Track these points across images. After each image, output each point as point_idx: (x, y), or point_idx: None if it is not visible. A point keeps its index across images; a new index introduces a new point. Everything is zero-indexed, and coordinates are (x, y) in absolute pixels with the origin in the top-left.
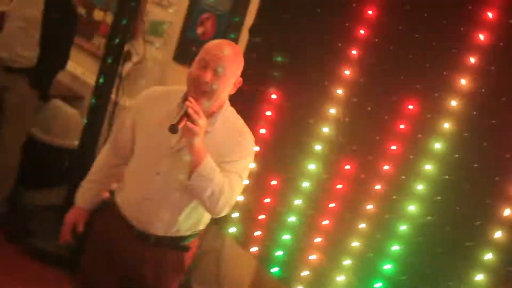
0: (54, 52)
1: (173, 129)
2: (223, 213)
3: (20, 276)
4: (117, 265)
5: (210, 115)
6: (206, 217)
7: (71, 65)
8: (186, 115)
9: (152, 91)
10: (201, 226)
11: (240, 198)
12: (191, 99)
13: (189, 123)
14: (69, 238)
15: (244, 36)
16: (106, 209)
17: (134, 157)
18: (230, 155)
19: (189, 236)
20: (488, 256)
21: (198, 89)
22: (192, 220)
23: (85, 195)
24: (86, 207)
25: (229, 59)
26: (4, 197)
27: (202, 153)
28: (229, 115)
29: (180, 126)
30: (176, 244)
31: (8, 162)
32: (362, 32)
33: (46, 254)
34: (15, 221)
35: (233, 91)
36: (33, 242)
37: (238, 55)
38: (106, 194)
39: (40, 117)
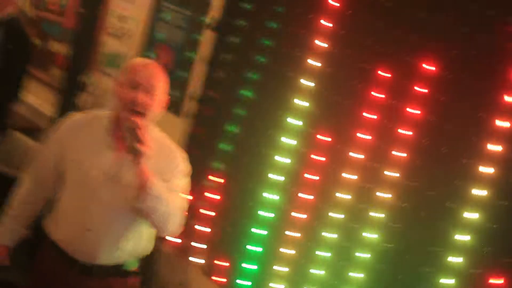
0: (7, 84)
1: (134, 150)
2: (173, 232)
3: None
4: None
5: None
6: (148, 240)
7: (29, 97)
8: (134, 135)
9: (71, 120)
10: (144, 250)
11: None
12: (136, 119)
13: (138, 145)
14: None
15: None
16: (43, 252)
17: (65, 189)
18: (167, 173)
19: (132, 261)
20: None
21: (132, 111)
22: (134, 244)
23: (4, 230)
24: (6, 243)
25: (158, 78)
26: None
27: (147, 174)
28: (156, 133)
29: (138, 145)
30: (120, 270)
31: None
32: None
33: (9, 285)
34: None
35: (163, 109)
36: (7, 275)
37: (164, 74)
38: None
39: (1, 151)
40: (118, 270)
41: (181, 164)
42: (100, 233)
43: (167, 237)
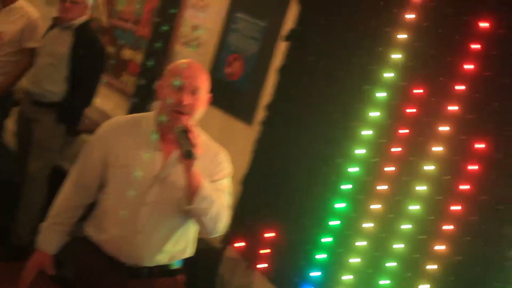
0: (80, 89)
1: (189, 154)
2: (219, 234)
3: None
4: None
5: None
6: (195, 239)
7: (100, 102)
8: (187, 139)
9: (116, 122)
10: (189, 252)
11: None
12: (186, 122)
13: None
14: (27, 285)
15: (272, 77)
16: (84, 255)
17: (112, 192)
18: (214, 175)
19: (178, 261)
20: None
21: (177, 114)
22: (182, 244)
23: (49, 240)
24: (51, 252)
25: (202, 79)
26: (30, 228)
27: (198, 176)
28: (200, 131)
29: (192, 149)
30: (168, 270)
31: (34, 193)
32: (387, 75)
33: (59, 276)
34: None
35: (205, 109)
36: (63, 272)
37: (206, 73)
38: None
39: (70, 152)
40: (165, 270)
41: (226, 164)
42: (149, 235)
43: (231, 241)
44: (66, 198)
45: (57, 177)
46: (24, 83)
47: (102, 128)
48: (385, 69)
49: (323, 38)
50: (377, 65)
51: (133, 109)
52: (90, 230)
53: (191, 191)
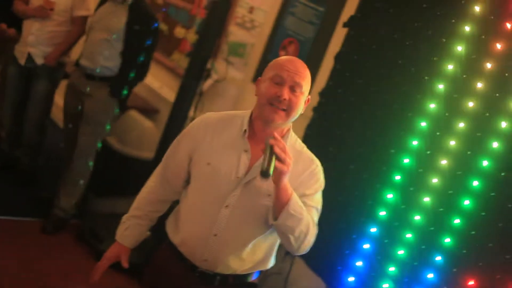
0: (134, 64)
1: (265, 174)
2: (305, 252)
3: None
4: None
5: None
6: (274, 253)
7: (149, 79)
8: (273, 154)
9: (209, 118)
10: (269, 264)
11: None
12: (276, 136)
13: (278, 164)
14: (100, 276)
15: (326, 62)
16: (160, 250)
17: (194, 190)
18: (306, 188)
19: (254, 272)
20: None
21: (274, 107)
22: (260, 255)
23: (129, 233)
24: (129, 246)
25: (304, 76)
26: (75, 201)
27: (289, 190)
28: (295, 140)
29: (271, 169)
30: (242, 282)
31: (81, 166)
32: (450, 67)
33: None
34: (85, 224)
35: (303, 110)
36: (103, 248)
37: (309, 73)
38: (148, 233)
39: (117, 127)
40: (240, 282)
41: (320, 176)
42: (226, 240)
43: None
44: (149, 191)
45: (104, 151)
46: (77, 56)
47: (193, 123)
48: (447, 61)
49: (385, 27)
50: (439, 56)
51: (184, 89)
52: (169, 227)
53: (279, 206)
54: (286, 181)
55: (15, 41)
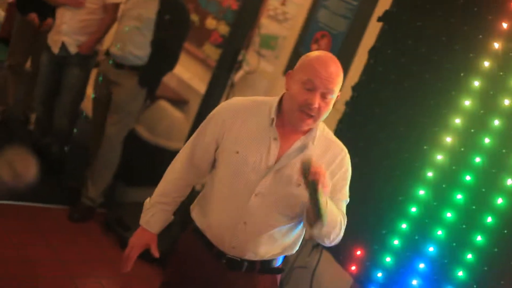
0: (165, 53)
1: (320, 221)
2: (334, 242)
3: (116, 268)
4: None
5: (307, 130)
6: (300, 239)
7: (179, 70)
8: (317, 195)
9: (236, 103)
10: (295, 248)
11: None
12: (313, 163)
13: (321, 189)
14: (131, 265)
15: (359, 56)
16: (186, 236)
17: (222, 177)
18: (337, 179)
19: (281, 257)
20: None
21: (302, 116)
22: (287, 243)
23: (156, 219)
24: (155, 231)
25: (337, 81)
26: (103, 189)
27: (324, 200)
28: (323, 128)
29: (323, 213)
30: (270, 267)
31: (109, 155)
32: (486, 64)
33: (143, 251)
34: (112, 213)
35: (331, 109)
36: (129, 237)
37: (341, 71)
38: (172, 217)
39: (146, 116)
40: (267, 267)
41: (349, 167)
42: (255, 228)
43: None
44: (177, 177)
45: (133, 141)
46: (107, 45)
47: (220, 107)
48: (484, 58)
49: (420, 22)
50: (476, 52)
51: (215, 80)
52: (195, 213)
53: (314, 216)
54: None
55: (48, 30)
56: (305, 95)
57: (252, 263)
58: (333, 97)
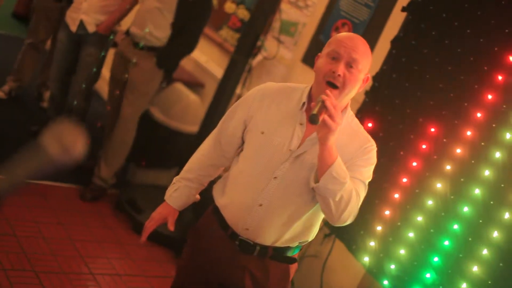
0: (184, 36)
1: (314, 119)
2: (346, 223)
3: (126, 249)
4: (216, 274)
5: None
6: (317, 227)
7: (196, 53)
8: (324, 108)
9: (268, 87)
10: (310, 237)
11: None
12: (329, 92)
13: (327, 118)
14: (145, 235)
15: (380, 46)
16: (206, 214)
17: (245, 157)
18: (356, 160)
19: (296, 247)
20: None
21: (329, 83)
22: (302, 230)
23: (178, 194)
24: (177, 207)
25: (362, 53)
26: (115, 170)
27: (334, 152)
28: (352, 119)
29: (321, 118)
30: (282, 255)
31: (124, 136)
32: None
33: (153, 232)
34: (124, 195)
35: (361, 88)
36: (142, 219)
37: (369, 50)
38: (198, 197)
39: (161, 98)
40: (280, 255)
41: (372, 155)
42: (271, 211)
43: None
44: (202, 154)
45: (148, 123)
46: (128, 26)
47: (252, 90)
48: (509, 51)
49: (446, 13)
50: (500, 46)
51: (233, 65)
52: (215, 191)
53: (322, 167)
54: (333, 141)
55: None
56: (330, 64)
57: (264, 248)
58: (359, 70)
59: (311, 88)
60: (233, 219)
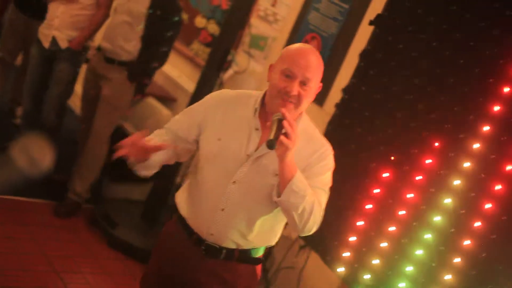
0: (155, 49)
1: (271, 144)
2: (311, 232)
3: (101, 264)
4: (183, 281)
5: None
6: (280, 228)
7: (167, 67)
8: (280, 128)
9: (224, 94)
10: (274, 239)
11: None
12: (284, 110)
13: (284, 138)
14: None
15: (349, 59)
16: (169, 223)
17: (203, 165)
18: (313, 168)
19: (261, 248)
20: None
21: (284, 101)
22: (266, 232)
23: (153, 136)
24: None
25: (315, 69)
26: (89, 185)
27: (293, 168)
28: (308, 123)
29: (276, 140)
30: (248, 257)
31: (97, 150)
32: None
33: (128, 247)
34: (98, 209)
35: (313, 98)
36: (117, 233)
37: (321, 61)
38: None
39: (134, 113)
40: (246, 257)
41: (329, 160)
42: (232, 215)
43: None
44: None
45: (119, 137)
46: (99, 41)
47: (208, 96)
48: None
49: (412, 27)
50: (465, 59)
51: (204, 79)
52: (178, 200)
53: (283, 182)
54: (290, 157)
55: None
56: (284, 82)
57: (230, 251)
58: (311, 87)
59: (264, 95)
60: (198, 225)
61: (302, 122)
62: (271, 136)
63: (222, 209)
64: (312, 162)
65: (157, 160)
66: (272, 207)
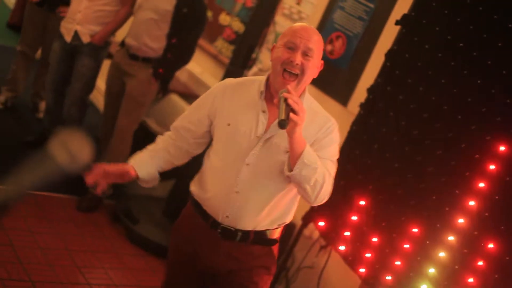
0: (179, 47)
1: (283, 124)
2: (322, 202)
3: (122, 259)
4: (201, 264)
5: None
6: (294, 208)
7: (190, 64)
8: (288, 106)
9: (228, 81)
10: (288, 219)
11: (354, 217)
12: (289, 89)
13: (292, 115)
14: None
15: (374, 60)
16: (185, 210)
17: (216, 150)
18: (321, 141)
19: (276, 228)
20: None
21: (287, 72)
22: (280, 213)
23: (139, 156)
24: (137, 170)
25: (316, 42)
26: None
27: (302, 142)
28: (311, 101)
29: (287, 119)
30: (263, 238)
31: (120, 147)
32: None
33: (149, 243)
34: (120, 205)
35: (316, 75)
36: (138, 230)
37: (321, 39)
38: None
39: (157, 110)
40: (262, 238)
41: (334, 133)
42: (247, 197)
43: (313, 220)
44: (166, 138)
45: (142, 133)
46: (123, 37)
47: (213, 87)
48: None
49: (439, 27)
50: (493, 60)
51: (228, 76)
52: (193, 188)
53: (294, 156)
54: (300, 132)
55: (61, 17)
56: (287, 54)
57: (246, 233)
58: (314, 57)
59: (268, 77)
60: (213, 209)
61: (306, 99)
62: (282, 116)
63: (237, 192)
64: (320, 137)
65: (150, 173)
66: (284, 183)
